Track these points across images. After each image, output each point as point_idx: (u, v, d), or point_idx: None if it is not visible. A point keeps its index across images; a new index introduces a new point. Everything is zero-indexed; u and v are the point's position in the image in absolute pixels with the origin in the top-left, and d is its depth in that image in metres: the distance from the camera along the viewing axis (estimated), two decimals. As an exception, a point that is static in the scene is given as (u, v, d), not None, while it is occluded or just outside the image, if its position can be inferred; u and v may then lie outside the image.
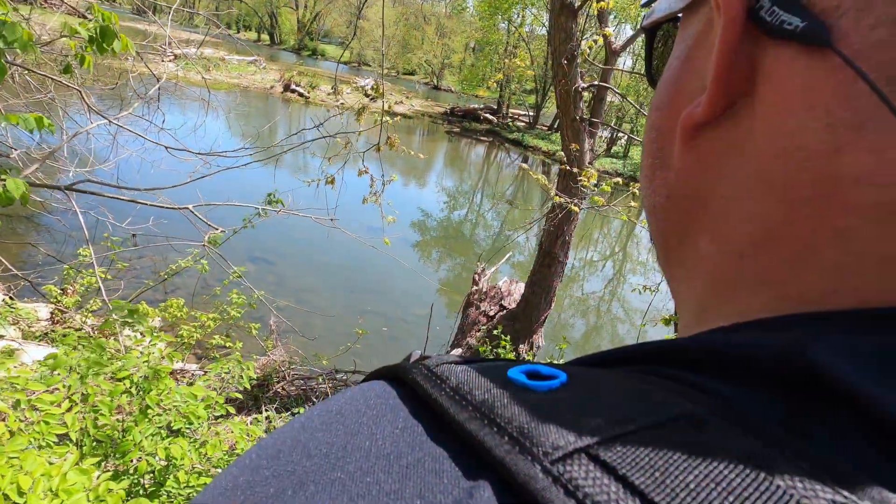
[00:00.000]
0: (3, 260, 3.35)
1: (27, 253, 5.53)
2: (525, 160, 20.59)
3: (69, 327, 3.40)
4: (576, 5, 3.33)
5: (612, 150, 22.43)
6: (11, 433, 1.33)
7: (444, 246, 10.63)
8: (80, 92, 2.69)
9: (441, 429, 0.18)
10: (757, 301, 0.22)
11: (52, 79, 2.89)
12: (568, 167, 3.57)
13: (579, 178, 3.38)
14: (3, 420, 1.40)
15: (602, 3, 3.44)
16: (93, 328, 3.15)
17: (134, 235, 4.85)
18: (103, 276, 4.81)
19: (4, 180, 1.38)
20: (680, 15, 0.26)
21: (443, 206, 13.64)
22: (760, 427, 0.16)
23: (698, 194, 0.24)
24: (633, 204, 3.49)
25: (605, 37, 3.47)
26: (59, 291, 4.33)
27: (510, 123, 26.20)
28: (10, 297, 4.82)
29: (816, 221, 0.19)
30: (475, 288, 4.89)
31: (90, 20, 1.81)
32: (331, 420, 0.19)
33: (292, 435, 0.19)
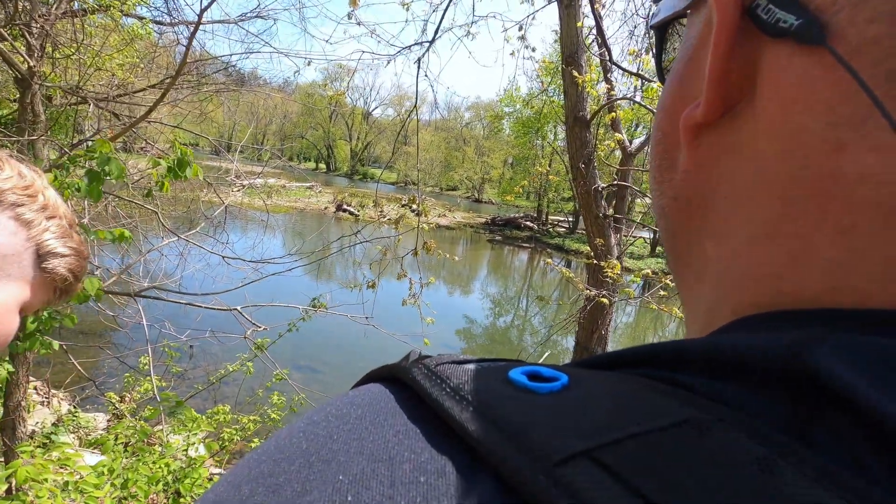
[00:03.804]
0: (78, 366, 3.70)
1: (95, 367, 5.97)
2: (568, 264, 20.75)
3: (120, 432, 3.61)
4: (587, 118, 3.70)
5: (657, 251, 22.18)
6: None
7: (490, 352, 10.46)
8: (157, 214, 3.16)
9: (442, 430, 0.18)
10: (754, 297, 0.22)
11: (135, 203, 3.43)
12: (595, 261, 3.68)
13: (605, 271, 3.47)
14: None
15: (612, 114, 3.81)
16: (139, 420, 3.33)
17: (191, 347, 5.22)
18: (159, 382, 5.12)
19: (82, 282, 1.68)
20: (688, 13, 0.26)
21: (488, 312, 13.63)
22: (764, 433, 0.15)
23: (702, 195, 0.24)
24: (662, 293, 3.49)
25: (619, 141, 3.77)
26: (118, 399, 4.62)
27: (550, 230, 26.92)
28: (75, 406, 5.18)
29: (819, 219, 0.19)
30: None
31: (170, 155, 2.26)
32: (332, 425, 0.19)
33: (292, 441, 0.19)
